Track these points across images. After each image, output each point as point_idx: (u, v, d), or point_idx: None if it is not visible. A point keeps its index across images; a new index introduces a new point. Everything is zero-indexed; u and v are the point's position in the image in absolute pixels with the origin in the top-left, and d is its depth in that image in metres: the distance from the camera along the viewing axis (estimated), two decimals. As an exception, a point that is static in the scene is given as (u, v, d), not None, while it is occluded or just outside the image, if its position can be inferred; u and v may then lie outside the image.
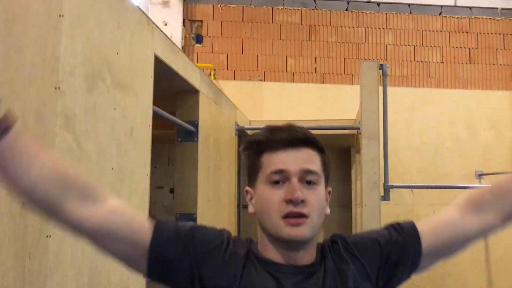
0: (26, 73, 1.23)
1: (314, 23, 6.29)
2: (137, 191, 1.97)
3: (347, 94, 5.89)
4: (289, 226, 0.87)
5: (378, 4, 6.31)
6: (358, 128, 3.81)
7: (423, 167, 5.90)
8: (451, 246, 0.98)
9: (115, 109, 1.77)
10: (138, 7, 2.04)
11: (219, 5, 6.17)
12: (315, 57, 6.28)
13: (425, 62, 6.32)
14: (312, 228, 0.89)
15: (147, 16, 2.10)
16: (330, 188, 0.95)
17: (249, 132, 4.36)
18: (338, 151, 5.44)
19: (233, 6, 6.18)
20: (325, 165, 0.93)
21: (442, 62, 6.36)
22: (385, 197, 3.76)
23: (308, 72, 6.26)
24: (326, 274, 0.91)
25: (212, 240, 0.93)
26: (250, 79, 6.18)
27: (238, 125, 4.10)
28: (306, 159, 0.90)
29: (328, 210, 0.94)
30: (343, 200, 5.28)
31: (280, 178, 0.89)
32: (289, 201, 0.87)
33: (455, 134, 5.98)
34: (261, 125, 4.27)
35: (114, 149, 1.77)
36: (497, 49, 6.34)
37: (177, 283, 0.90)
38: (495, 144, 5.89)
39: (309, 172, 0.89)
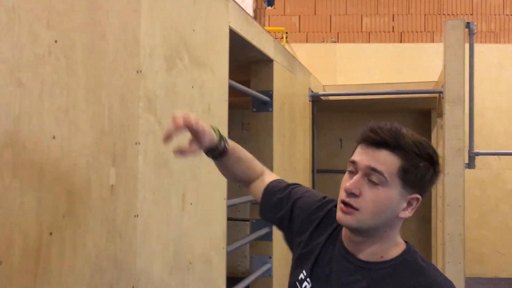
0: (110, 59, 1.25)
1: (392, -22, 5.93)
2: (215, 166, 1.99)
3: (428, 53, 5.55)
4: (340, 211, 0.99)
5: (463, -48, 5.81)
6: (441, 92, 3.59)
7: (511, 130, 5.51)
8: None
9: (193, 87, 1.77)
10: (212, -21, 2.00)
11: (290, -35, 5.98)
12: (393, 15, 5.94)
13: (516, 15, 5.77)
14: (359, 221, 0.97)
15: (221, -12, 2.05)
16: (417, 195, 0.98)
17: (323, 98, 4.26)
18: (416, 114, 5.19)
19: (305, -36, 5.96)
20: (404, 171, 0.96)
21: (536, 14, 5.78)
22: (470, 164, 3.55)
23: (385, 31, 5.95)
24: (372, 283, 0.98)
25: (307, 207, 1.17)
26: (323, 41, 5.99)
27: (312, 91, 4.02)
28: (377, 159, 0.96)
29: (404, 214, 0.98)
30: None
31: (353, 168, 0.99)
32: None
33: (548, 93, 5.48)
34: (336, 91, 4.14)
35: (194, 126, 1.78)
36: None
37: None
38: None
39: (373, 170, 0.96)
